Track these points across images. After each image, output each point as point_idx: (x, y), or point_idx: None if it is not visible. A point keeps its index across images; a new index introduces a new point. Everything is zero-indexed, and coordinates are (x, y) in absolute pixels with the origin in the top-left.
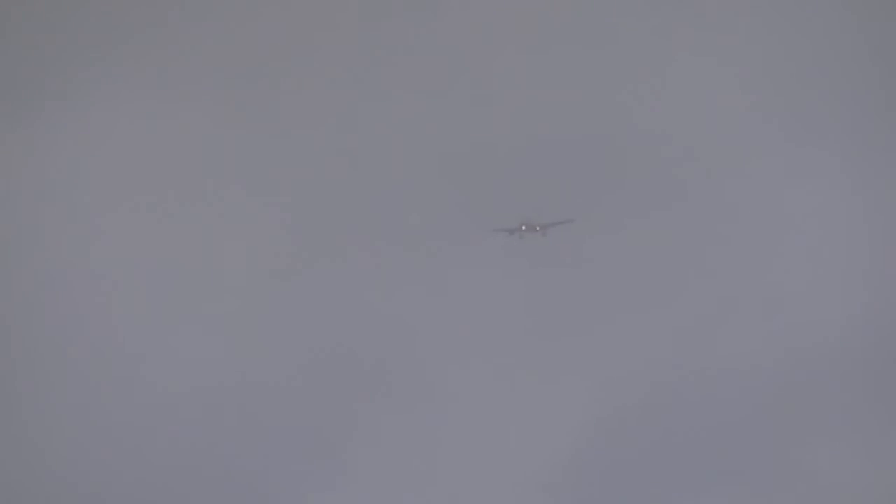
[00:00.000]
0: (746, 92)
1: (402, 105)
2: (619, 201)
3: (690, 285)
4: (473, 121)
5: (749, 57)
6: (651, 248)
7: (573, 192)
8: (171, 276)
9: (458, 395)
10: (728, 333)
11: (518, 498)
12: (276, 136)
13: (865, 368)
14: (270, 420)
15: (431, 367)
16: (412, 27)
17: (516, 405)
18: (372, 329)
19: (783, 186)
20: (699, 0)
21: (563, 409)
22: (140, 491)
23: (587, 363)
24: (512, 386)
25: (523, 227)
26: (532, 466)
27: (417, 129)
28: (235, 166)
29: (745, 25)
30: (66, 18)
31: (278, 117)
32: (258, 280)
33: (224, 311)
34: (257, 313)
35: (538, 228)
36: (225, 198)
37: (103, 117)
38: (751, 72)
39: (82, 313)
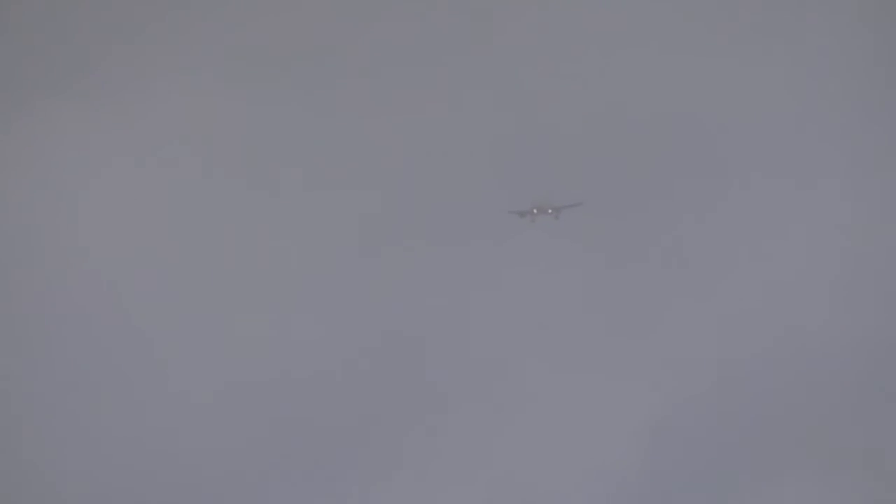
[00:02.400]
0: (759, 77)
1: (417, 97)
2: (631, 185)
3: (735, 272)
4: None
5: (759, 49)
6: (687, 234)
7: (583, 175)
8: (223, 273)
9: (517, 388)
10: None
11: (582, 492)
12: (317, 133)
13: None
14: (324, 414)
15: (489, 361)
16: (426, 18)
17: (579, 397)
18: (421, 322)
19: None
20: None
21: (626, 404)
22: (195, 481)
23: (648, 356)
24: (573, 377)
25: (535, 210)
26: (595, 460)
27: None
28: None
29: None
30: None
31: (311, 114)
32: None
33: (270, 308)
34: (306, 309)
35: (550, 211)
36: (273, 194)
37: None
38: (762, 61)
39: (126, 309)
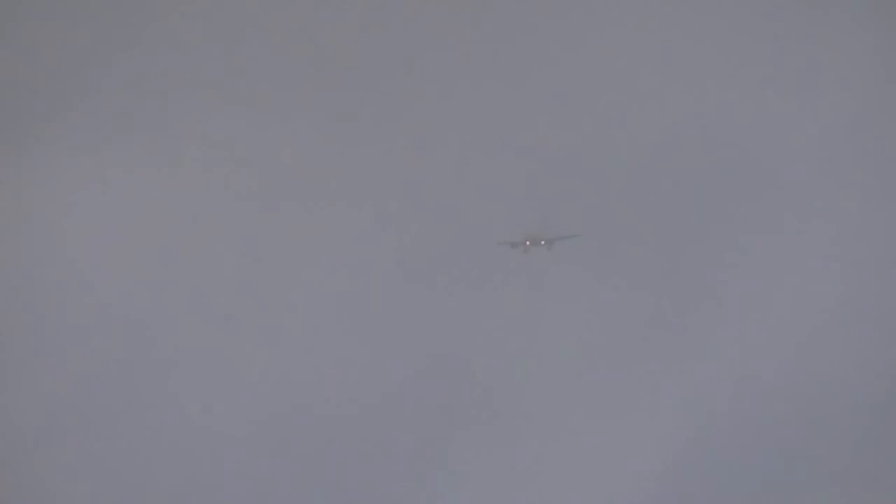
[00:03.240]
0: (753, 99)
1: (409, 112)
2: (626, 215)
3: (750, 302)
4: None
5: (756, 62)
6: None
7: (577, 206)
8: (266, 291)
9: (537, 415)
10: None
11: None
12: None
13: None
14: (367, 437)
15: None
16: (414, 35)
17: (604, 421)
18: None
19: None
20: (707, 11)
21: (655, 425)
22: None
23: (672, 378)
24: (596, 401)
25: (528, 242)
26: (625, 482)
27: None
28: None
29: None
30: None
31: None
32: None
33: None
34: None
35: (543, 243)
36: (306, 216)
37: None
38: (759, 80)
39: (157, 338)
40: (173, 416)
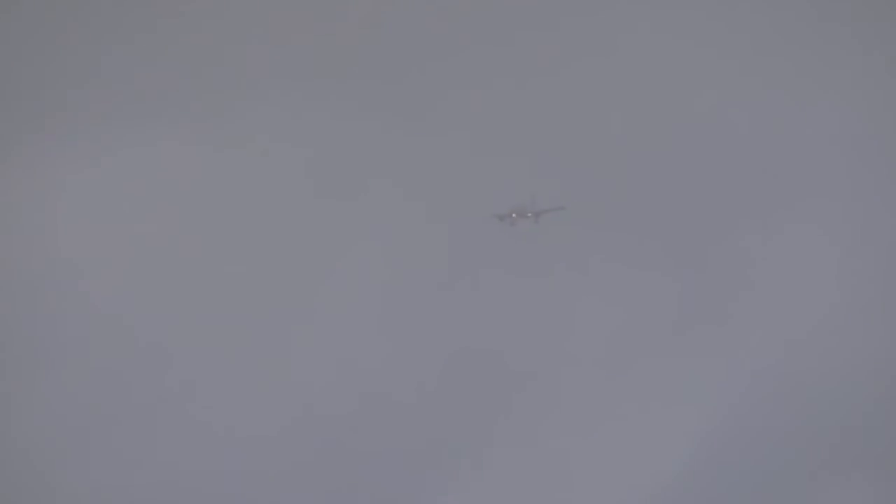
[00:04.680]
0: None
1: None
2: (615, 188)
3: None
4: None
5: (744, 47)
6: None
7: (565, 178)
8: (280, 295)
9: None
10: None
11: None
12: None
13: None
14: (392, 432)
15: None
16: (406, 20)
17: (629, 416)
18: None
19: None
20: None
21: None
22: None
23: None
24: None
25: (514, 215)
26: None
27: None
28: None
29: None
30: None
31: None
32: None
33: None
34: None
35: (530, 215)
36: (323, 211)
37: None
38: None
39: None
40: (190, 417)
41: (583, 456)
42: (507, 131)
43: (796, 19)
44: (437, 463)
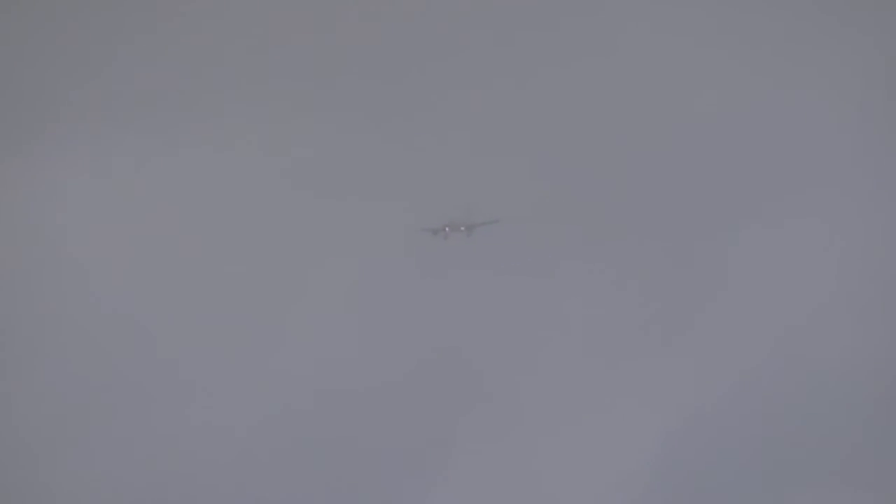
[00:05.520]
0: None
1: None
2: (550, 199)
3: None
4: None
5: (757, 53)
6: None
7: (498, 190)
8: (261, 292)
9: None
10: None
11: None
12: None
13: None
14: (364, 430)
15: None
16: (351, 32)
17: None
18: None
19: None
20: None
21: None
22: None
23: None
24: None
25: (447, 229)
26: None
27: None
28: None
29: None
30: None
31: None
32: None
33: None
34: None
35: (462, 228)
36: (307, 208)
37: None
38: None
39: (153, 333)
40: (177, 414)
41: (552, 455)
42: (474, 140)
43: (791, 21)
44: (411, 459)
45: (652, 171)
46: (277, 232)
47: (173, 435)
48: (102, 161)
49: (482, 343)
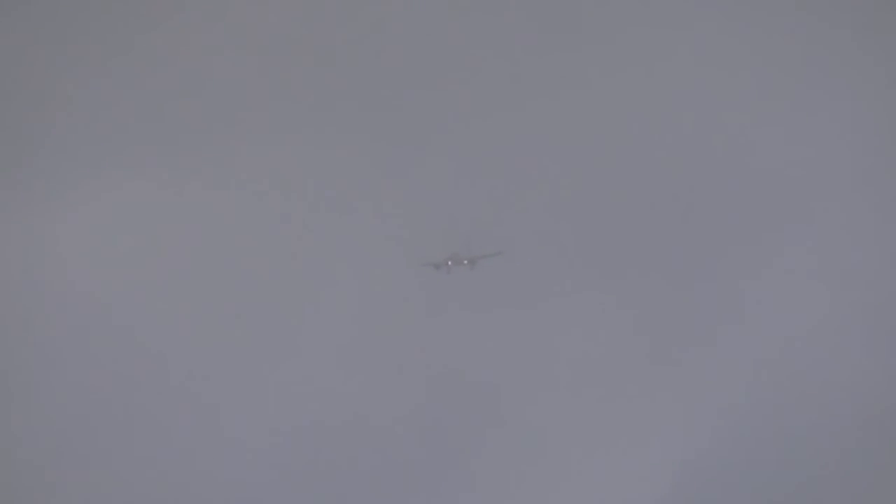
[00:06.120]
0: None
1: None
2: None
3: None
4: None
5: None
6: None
7: (500, 223)
8: (276, 315)
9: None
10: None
11: None
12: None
13: None
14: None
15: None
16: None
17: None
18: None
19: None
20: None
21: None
22: None
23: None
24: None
25: (450, 263)
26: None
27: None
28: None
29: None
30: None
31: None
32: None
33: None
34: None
35: (466, 262)
36: (319, 234)
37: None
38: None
39: (173, 353)
40: (195, 429)
41: (557, 482)
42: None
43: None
44: (412, 482)
45: (654, 202)
46: (283, 262)
47: (190, 450)
48: (117, 179)
49: (489, 371)
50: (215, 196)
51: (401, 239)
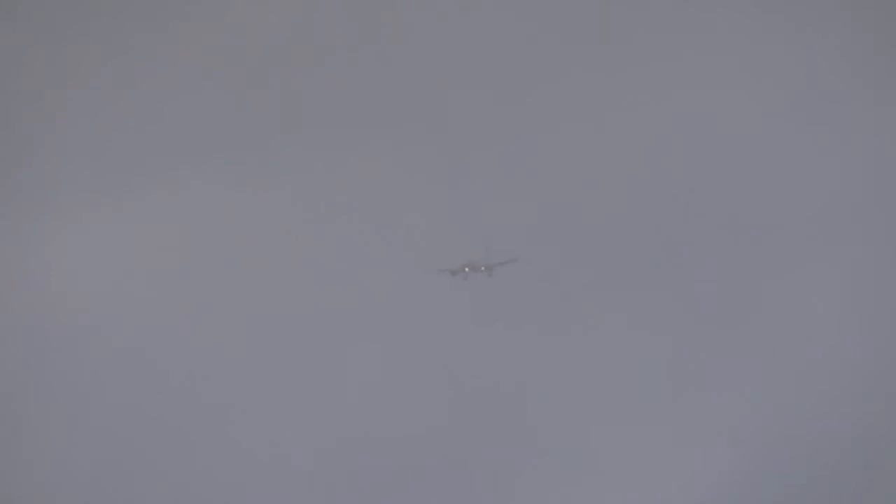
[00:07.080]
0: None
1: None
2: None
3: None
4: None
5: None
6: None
7: (517, 228)
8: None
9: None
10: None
11: None
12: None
13: None
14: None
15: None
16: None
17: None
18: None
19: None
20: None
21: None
22: None
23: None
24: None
25: (467, 269)
26: None
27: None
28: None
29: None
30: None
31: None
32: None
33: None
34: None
35: (483, 269)
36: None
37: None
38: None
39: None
40: (232, 449)
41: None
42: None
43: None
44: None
45: (677, 210)
46: (293, 267)
47: (197, 455)
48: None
49: (513, 383)
50: (225, 199)
51: (416, 245)
